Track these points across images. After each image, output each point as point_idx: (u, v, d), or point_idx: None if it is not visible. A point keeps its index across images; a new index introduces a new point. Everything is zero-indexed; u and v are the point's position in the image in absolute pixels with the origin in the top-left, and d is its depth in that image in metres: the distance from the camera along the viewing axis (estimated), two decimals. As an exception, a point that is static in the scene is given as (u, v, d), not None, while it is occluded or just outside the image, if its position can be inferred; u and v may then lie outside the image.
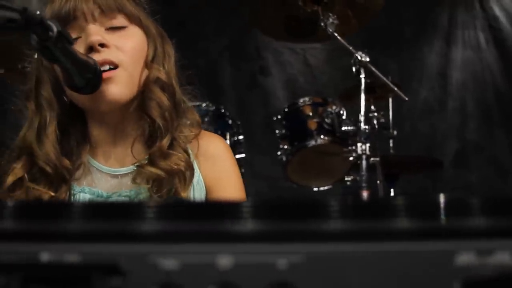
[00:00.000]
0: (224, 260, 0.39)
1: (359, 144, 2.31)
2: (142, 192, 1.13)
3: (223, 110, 2.62)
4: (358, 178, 2.34)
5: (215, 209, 0.41)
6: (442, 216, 0.41)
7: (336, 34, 2.44)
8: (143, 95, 1.13)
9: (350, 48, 2.41)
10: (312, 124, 2.59)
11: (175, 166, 1.10)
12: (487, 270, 0.38)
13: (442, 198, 0.41)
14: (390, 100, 2.95)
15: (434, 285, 0.38)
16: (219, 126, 2.54)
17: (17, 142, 1.14)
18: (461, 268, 0.38)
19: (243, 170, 2.29)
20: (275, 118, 2.77)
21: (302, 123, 2.63)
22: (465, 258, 0.38)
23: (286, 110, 2.76)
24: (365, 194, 2.14)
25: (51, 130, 1.10)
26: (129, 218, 0.41)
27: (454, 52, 4.25)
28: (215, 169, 1.20)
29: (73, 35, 1.06)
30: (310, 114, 2.63)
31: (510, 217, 0.39)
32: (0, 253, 0.40)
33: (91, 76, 1.02)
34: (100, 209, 0.42)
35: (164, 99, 1.13)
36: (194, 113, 1.22)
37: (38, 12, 0.84)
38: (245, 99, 4.10)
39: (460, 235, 0.39)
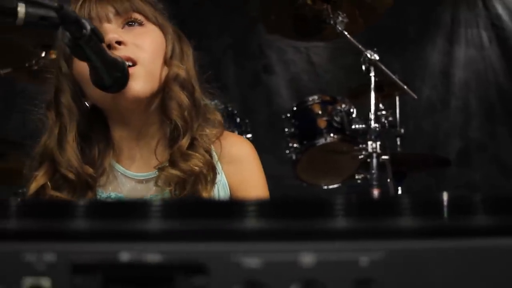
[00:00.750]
0: (307, 258, 0.39)
1: (369, 142, 2.31)
2: (166, 196, 1.12)
3: (230, 109, 2.62)
4: (368, 176, 2.34)
5: (298, 207, 0.41)
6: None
7: (345, 33, 2.44)
8: (163, 95, 1.12)
9: (360, 46, 2.41)
10: (322, 123, 2.60)
11: (196, 168, 1.09)
12: None
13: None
14: (397, 98, 2.96)
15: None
16: (227, 125, 2.53)
17: (37, 149, 1.13)
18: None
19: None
20: (283, 117, 2.77)
21: (312, 122, 2.63)
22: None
23: (295, 108, 2.76)
24: (376, 192, 2.15)
25: (72, 136, 1.10)
26: (212, 217, 0.40)
27: (457, 51, 4.25)
28: (239, 171, 1.19)
29: None
30: (319, 112, 2.63)
31: None
32: (80, 253, 0.39)
33: (120, 75, 1.01)
34: (181, 207, 0.41)
35: (183, 97, 1.12)
36: (215, 113, 1.21)
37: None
38: (248, 98, 4.10)
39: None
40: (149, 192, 1.14)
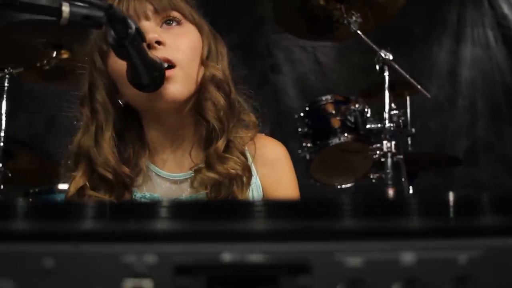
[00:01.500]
0: (408, 257, 0.40)
1: (384, 142, 2.31)
2: (201, 198, 1.11)
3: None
4: (383, 175, 2.34)
5: (398, 206, 0.41)
6: None
7: (360, 32, 2.44)
8: (198, 95, 1.12)
9: (374, 46, 2.42)
10: (335, 122, 2.60)
11: (232, 170, 1.09)
12: None
13: None
14: (408, 98, 2.96)
15: None
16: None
17: (72, 148, 1.12)
18: None
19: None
20: (296, 116, 2.77)
21: (325, 121, 2.63)
22: None
23: (308, 108, 2.76)
24: (391, 191, 2.16)
25: (108, 134, 1.09)
26: (315, 217, 0.40)
27: (464, 50, 4.26)
28: (273, 173, 1.19)
29: None
30: (333, 112, 2.64)
31: None
32: (181, 254, 0.40)
33: (157, 75, 1.01)
34: (283, 207, 0.41)
35: (219, 98, 1.11)
36: (249, 114, 1.19)
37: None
38: (255, 97, 4.09)
39: None
40: (183, 193, 1.14)
